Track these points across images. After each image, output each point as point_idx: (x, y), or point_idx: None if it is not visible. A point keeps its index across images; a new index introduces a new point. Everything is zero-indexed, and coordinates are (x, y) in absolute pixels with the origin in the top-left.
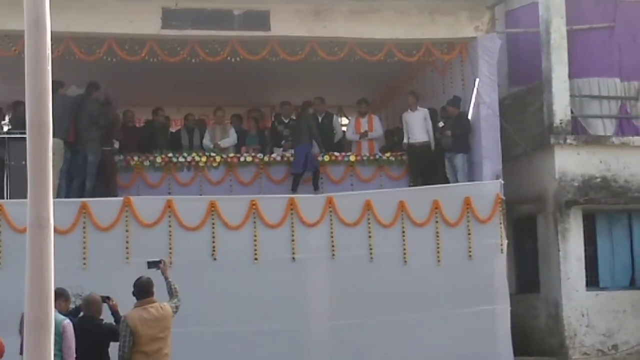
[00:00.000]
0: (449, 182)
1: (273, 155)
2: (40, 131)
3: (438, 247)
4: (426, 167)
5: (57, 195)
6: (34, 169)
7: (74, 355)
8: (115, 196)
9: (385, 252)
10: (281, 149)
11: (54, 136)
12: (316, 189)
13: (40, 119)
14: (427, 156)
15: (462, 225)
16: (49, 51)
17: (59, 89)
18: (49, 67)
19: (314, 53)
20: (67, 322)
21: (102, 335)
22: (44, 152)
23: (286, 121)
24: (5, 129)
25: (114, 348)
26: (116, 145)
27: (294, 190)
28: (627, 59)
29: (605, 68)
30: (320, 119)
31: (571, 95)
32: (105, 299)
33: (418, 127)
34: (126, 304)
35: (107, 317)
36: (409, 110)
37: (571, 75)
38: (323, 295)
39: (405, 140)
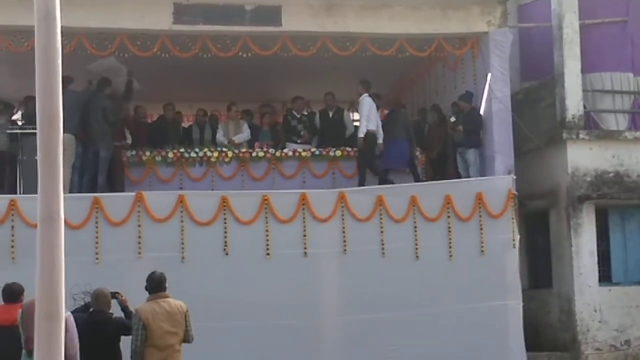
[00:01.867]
0: (460, 177)
1: (285, 151)
2: (51, 124)
3: (450, 243)
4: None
5: (70, 190)
6: (44, 162)
7: (77, 347)
8: (122, 191)
9: (397, 247)
10: (295, 144)
11: (65, 132)
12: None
13: (51, 112)
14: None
15: (474, 220)
16: (59, 44)
17: (69, 84)
18: (59, 61)
19: (325, 48)
20: (67, 315)
21: (112, 329)
22: (54, 145)
23: (299, 116)
24: (18, 124)
25: (125, 342)
26: (129, 140)
27: (361, 183)
28: None
29: (618, 63)
30: (330, 114)
31: (584, 90)
32: (115, 294)
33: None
34: (139, 298)
35: (116, 312)
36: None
37: (584, 70)
38: (335, 291)
39: (370, 129)
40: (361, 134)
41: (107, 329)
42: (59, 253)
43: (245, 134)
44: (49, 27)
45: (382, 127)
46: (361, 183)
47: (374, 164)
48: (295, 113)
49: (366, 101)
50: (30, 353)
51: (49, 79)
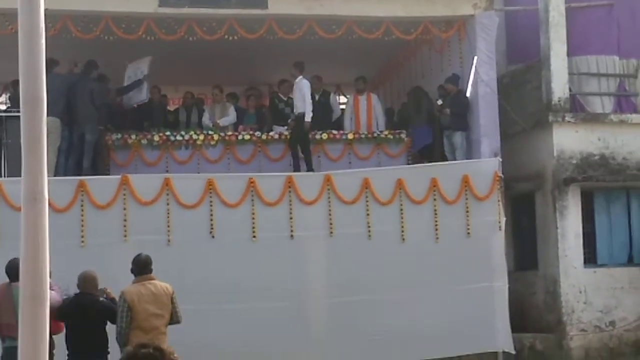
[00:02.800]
0: (447, 160)
1: (271, 134)
2: (34, 105)
3: (436, 225)
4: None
5: (55, 173)
6: (28, 143)
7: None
8: (107, 175)
9: (383, 229)
10: (283, 127)
11: (50, 115)
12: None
13: (34, 93)
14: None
15: (460, 202)
16: (42, 24)
17: (54, 67)
18: (43, 41)
19: (311, 31)
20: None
21: (100, 311)
22: (37, 126)
23: (285, 99)
24: (3, 108)
25: (111, 326)
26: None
27: (296, 168)
28: (626, 36)
29: (604, 46)
30: (317, 97)
31: (570, 73)
32: (102, 290)
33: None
34: (124, 281)
35: None
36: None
37: (570, 53)
38: (321, 273)
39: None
40: (308, 118)
41: (94, 310)
42: (44, 233)
43: (231, 116)
44: (32, 9)
45: (403, 114)
46: (295, 167)
47: (306, 147)
48: (281, 96)
49: (305, 83)
50: (4, 340)
51: (32, 59)
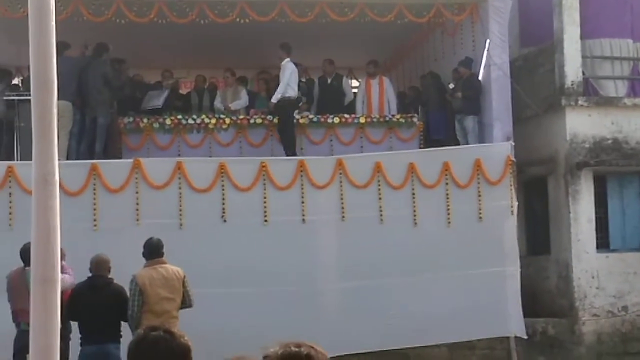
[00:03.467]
0: (459, 144)
1: None
2: (44, 86)
3: (448, 209)
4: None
5: (67, 157)
6: (38, 125)
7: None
8: (119, 158)
9: (395, 214)
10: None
11: (62, 99)
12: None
13: (45, 75)
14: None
15: (472, 187)
16: (52, 5)
17: (65, 50)
18: (53, 23)
19: (323, 14)
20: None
21: (112, 294)
22: (48, 107)
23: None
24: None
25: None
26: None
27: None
28: None
29: (617, 29)
30: (329, 80)
31: (583, 57)
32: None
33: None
34: (136, 265)
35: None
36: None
37: (583, 36)
38: (333, 257)
39: (289, 95)
40: (274, 100)
41: (106, 293)
42: (54, 215)
43: (242, 100)
44: None
45: (419, 99)
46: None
47: (290, 133)
48: None
49: (289, 66)
50: (20, 325)
51: (42, 40)
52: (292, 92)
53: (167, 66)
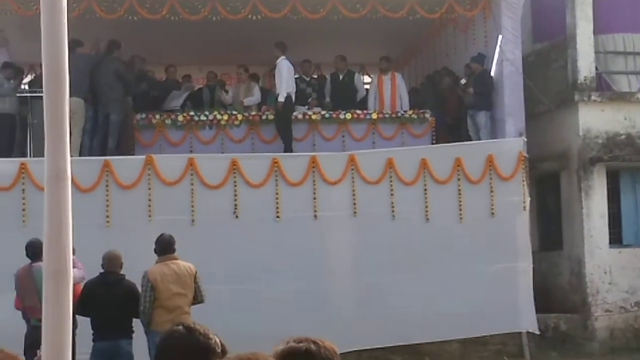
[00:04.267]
0: (471, 140)
1: (295, 114)
2: (57, 83)
3: (460, 205)
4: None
5: (80, 153)
6: (50, 121)
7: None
8: (132, 155)
9: (407, 209)
10: (305, 107)
11: (74, 95)
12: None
13: (57, 71)
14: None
15: (484, 182)
16: (65, 3)
17: (77, 47)
18: (65, 19)
19: (335, 10)
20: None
21: (124, 290)
22: (60, 104)
23: (307, 79)
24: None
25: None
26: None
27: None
28: None
29: (630, 24)
30: (341, 77)
31: (596, 52)
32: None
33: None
34: (149, 261)
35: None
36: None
37: (596, 31)
38: (345, 253)
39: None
40: (281, 98)
41: (118, 289)
42: (67, 211)
43: (255, 97)
44: None
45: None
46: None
47: (287, 130)
48: (304, 76)
49: (284, 64)
50: (30, 321)
51: (54, 36)
52: (290, 89)
53: (179, 62)
